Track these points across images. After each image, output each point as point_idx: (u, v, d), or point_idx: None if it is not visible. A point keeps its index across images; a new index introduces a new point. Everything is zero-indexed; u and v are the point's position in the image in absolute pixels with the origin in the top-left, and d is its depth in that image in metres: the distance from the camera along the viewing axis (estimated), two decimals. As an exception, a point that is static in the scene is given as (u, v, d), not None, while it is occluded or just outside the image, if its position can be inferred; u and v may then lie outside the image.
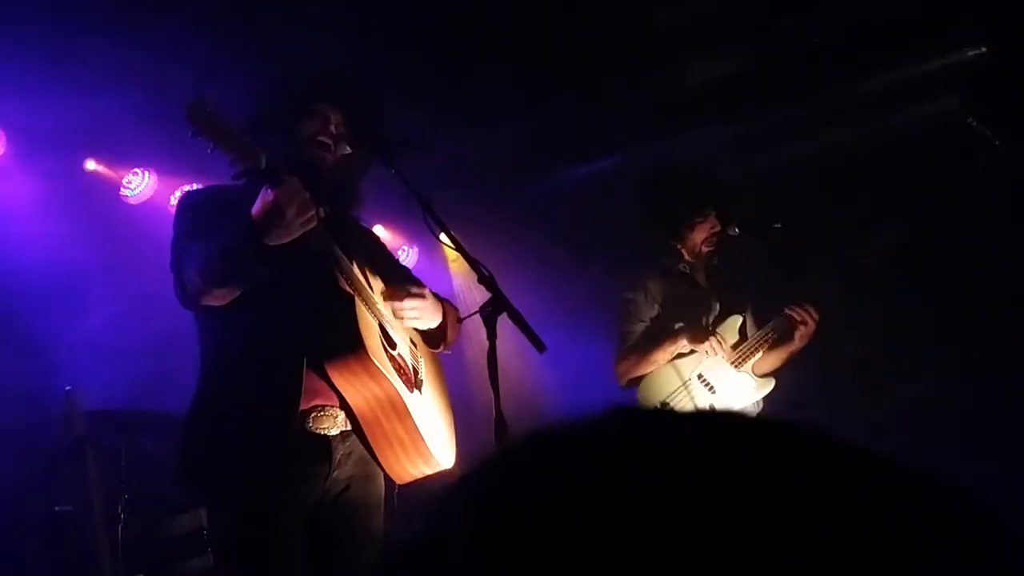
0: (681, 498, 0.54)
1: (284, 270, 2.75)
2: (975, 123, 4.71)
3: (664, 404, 4.27)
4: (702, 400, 4.31)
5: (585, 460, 0.58)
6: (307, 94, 3.09)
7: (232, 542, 2.85)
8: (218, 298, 2.77)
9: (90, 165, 5.74)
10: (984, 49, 5.60)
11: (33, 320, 5.05)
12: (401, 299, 3.07)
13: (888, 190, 5.85)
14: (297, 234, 2.70)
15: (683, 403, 4.28)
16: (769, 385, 4.38)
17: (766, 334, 4.39)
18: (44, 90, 4.91)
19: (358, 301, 2.87)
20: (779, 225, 4.52)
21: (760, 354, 4.39)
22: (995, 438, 5.16)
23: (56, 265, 5.19)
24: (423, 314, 3.12)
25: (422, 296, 3.11)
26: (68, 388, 4.47)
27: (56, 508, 4.55)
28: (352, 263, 2.98)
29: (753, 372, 4.40)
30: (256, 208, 2.66)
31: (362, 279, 3.00)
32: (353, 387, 2.86)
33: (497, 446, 2.62)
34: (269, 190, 2.64)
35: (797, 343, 4.35)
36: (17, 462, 4.63)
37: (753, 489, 0.54)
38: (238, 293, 2.76)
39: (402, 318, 3.10)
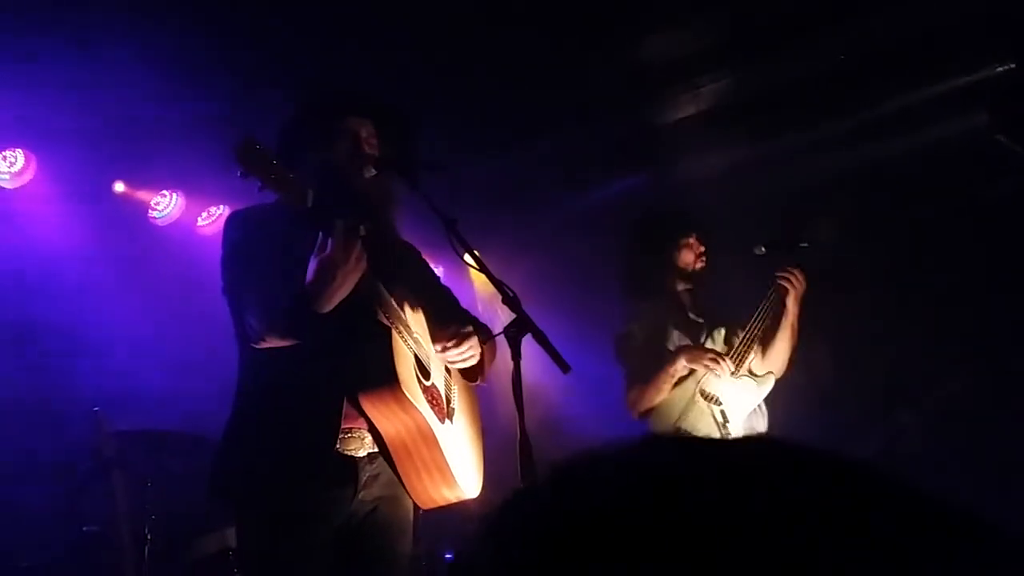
0: (727, 522, 0.55)
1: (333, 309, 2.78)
2: (1004, 139, 4.68)
3: (677, 428, 4.32)
4: (712, 413, 4.34)
5: (630, 489, 0.59)
6: (336, 109, 3.10)
7: (260, 562, 2.88)
8: (276, 344, 2.82)
9: (119, 187, 5.79)
10: (1013, 65, 5.57)
11: (62, 341, 5.09)
12: (455, 346, 3.07)
13: (918, 207, 5.81)
14: (358, 276, 2.74)
15: (695, 420, 4.33)
16: (769, 382, 4.44)
17: (757, 321, 4.45)
18: (73, 114, 4.97)
19: (394, 334, 2.89)
20: (806, 244, 4.53)
21: (752, 354, 4.44)
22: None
23: (85, 287, 5.23)
24: (473, 353, 3.12)
25: (470, 336, 3.10)
26: (96, 409, 4.49)
27: (84, 529, 4.57)
28: (391, 288, 2.99)
29: (751, 372, 4.45)
30: (312, 276, 2.69)
31: (398, 306, 3.00)
32: (384, 417, 2.88)
33: (522, 467, 2.62)
34: (317, 258, 2.67)
35: (792, 310, 4.44)
36: (44, 483, 4.66)
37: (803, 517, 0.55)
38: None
39: (454, 361, 3.12)
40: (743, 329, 4.50)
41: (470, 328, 3.14)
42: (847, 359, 5.80)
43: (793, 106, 5.95)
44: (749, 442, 0.66)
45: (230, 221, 3.06)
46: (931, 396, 5.67)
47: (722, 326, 4.59)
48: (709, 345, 4.49)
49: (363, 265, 2.75)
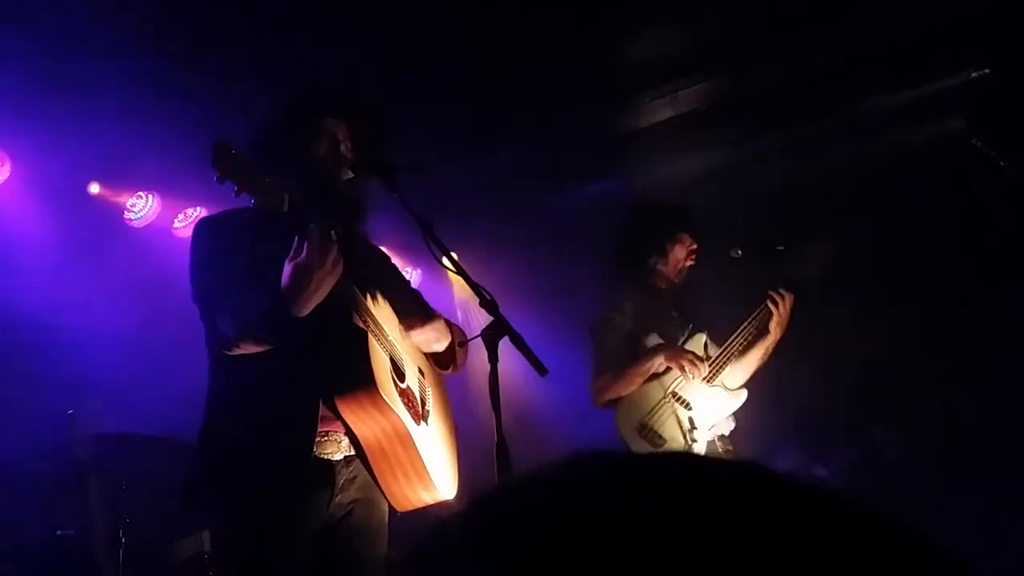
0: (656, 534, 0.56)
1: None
2: (979, 144, 4.72)
3: (644, 424, 4.35)
4: (680, 416, 4.35)
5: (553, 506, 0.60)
6: (313, 110, 3.10)
7: (235, 566, 2.86)
8: (249, 351, 2.80)
9: (94, 189, 5.76)
10: (988, 70, 5.61)
11: (35, 343, 5.05)
12: (419, 328, 3.14)
13: (892, 211, 5.84)
14: (335, 281, 2.72)
15: (662, 421, 4.34)
16: (741, 397, 4.45)
17: (740, 335, 4.46)
18: (48, 115, 4.93)
19: (370, 336, 2.89)
20: (782, 247, 4.55)
21: (729, 368, 4.45)
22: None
23: (59, 288, 5.19)
24: (439, 336, 3.21)
25: (435, 320, 3.18)
26: (70, 412, 4.46)
27: (58, 532, 4.53)
28: (364, 292, 2.99)
29: (724, 385, 4.46)
30: (287, 280, 2.66)
31: (373, 310, 3.00)
32: (361, 420, 2.87)
33: (499, 470, 2.62)
34: (293, 263, 2.65)
35: (773, 333, 4.45)
36: (19, 486, 4.62)
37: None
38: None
39: (419, 343, 3.17)
40: (724, 339, 4.51)
41: (435, 313, 3.20)
42: (821, 372, 5.83)
43: (768, 110, 5.98)
44: (675, 457, 0.67)
45: (199, 228, 3.03)
46: (908, 412, 5.69)
47: (703, 332, 4.60)
48: (690, 347, 4.50)
49: (339, 270, 2.73)
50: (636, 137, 6.33)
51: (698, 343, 4.56)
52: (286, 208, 2.66)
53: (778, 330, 4.45)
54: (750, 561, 0.54)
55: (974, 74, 5.68)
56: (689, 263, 4.59)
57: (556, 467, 0.63)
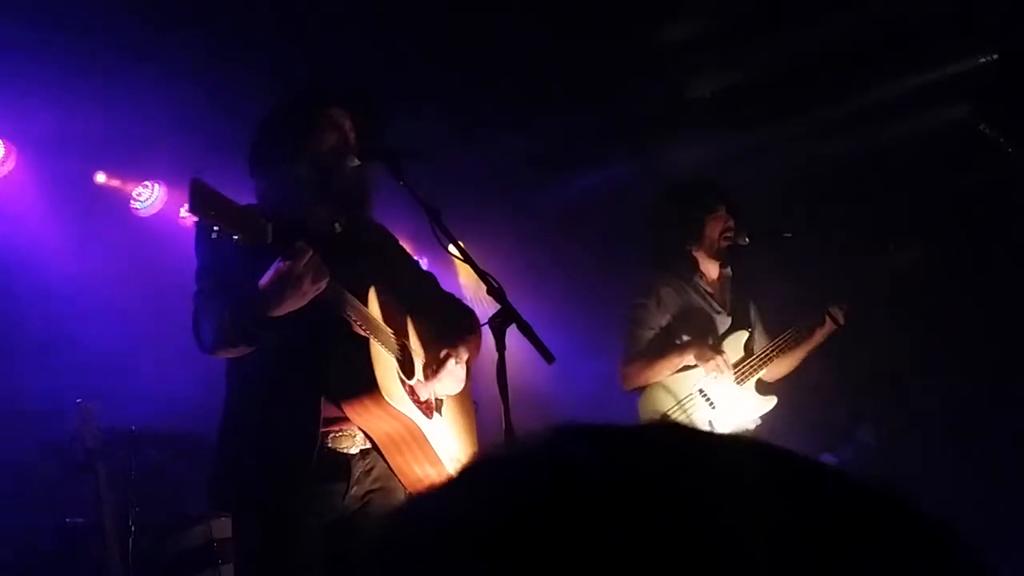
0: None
1: (299, 321, 2.76)
2: (987, 130, 4.70)
3: (664, 416, 4.28)
4: (702, 415, 4.31)
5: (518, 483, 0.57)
6: (318, 101, 3.09)
7: (253, 557, 2.91)
8: (231, 355, 2.84)
9: (100, 178, 5.75)
10: (995, 56, 5.58)
11: (44, 333, 5.05)
12: (433, 370, 3.10)
13: (899, 198, 5.82)
14: (310, 299, 2.71)
15: (682, 417, 4.28)
16: (770, 403, 4.40)
17: (779, 343, 4.42)
18: (53, 104, 4.93)
19: (373, 343, 2.90)
20: (789, 234, 4.54)
21: (764, 371, 4.41)
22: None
23: (66, 278, 5.19)
24: (452, 381, 3.19)
25: (451, 360, 3.12)
26: (79, 401, 4.47)
27: (67, 521, 4.55)
28: (367, 290, 2.99)
29: (756, 389, 4.42)
30: (269, 280, 2.66)
31: (376, 312, 3.00)
32: (370, 423, 2.92)
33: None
34: (281, 261, 2.63)
35: (815, 342, 4.44)
36: (28, 475, 4.63)
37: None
38: (250, 351, 2.79)
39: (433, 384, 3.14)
40: (768, 337, 4.50)
41: (446, 351, 3.14)
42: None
43: (777, 96, 5.95)
44: (663, 429, 0.65)
45: (200, 229, 2.98)
46: (897, 412, 5.67)
47: (746, 330, 4.52)
48: (729, 344, 4.43)
49: (322, 285, 2.71)
50: (643, 123, 6.31)
51: (738, 341, 4.47)
52: (270, 239, 2.61)
53: (820, 339, 4.45)
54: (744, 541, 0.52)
55: (981, 59, 5.65)
56: (724, 243, 4.47)
57: (534, 443, 0.60)
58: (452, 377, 3.16)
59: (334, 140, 3.03)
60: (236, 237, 2.52)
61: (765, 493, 0.55)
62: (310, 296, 2.69)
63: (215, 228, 2.48)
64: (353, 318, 2.88)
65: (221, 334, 2.74)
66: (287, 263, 2.62)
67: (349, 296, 2.88)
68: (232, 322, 2.70)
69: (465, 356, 3.18)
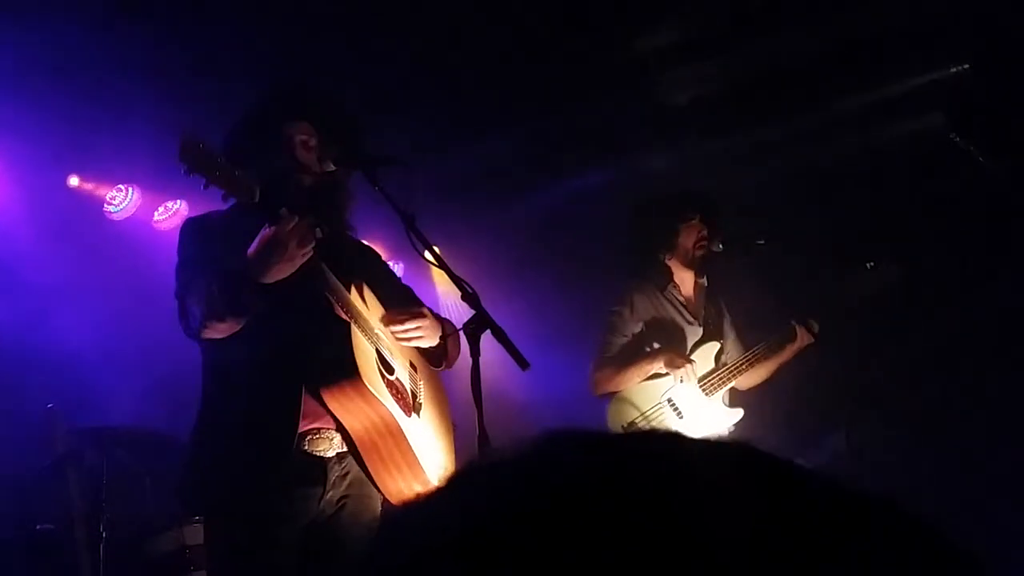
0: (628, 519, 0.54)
1: (281, 300, 2.77)
2: (958, 139, 4.74)
3: (631, 424, 4.33)
4: (669, 424, 4.31)
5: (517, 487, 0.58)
6: (268, 119, 3.09)
7: (227, 560, 2.89)
8: (219, 332, 2.81)
9: (73, 181, 5.71)
10: (967, 66, 5.63)
11: (14, 336, 5.00)
12: (401, 322, 3.09)
13: (874, 206, 5.87)
14: (298, 265, 2.73)
15: (650, 425, 4.29)
16: (737, 415, 4.42)
17: (750, 357, 4.44)
18: (27, 106, 4.89)
19: (354, 328, 2.90)
20: (762, 241, 4.56)
21: (733, 383, 4.43)
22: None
23: (38, 281, 5.15)
24: (423, 333, 3.14)
25: (421, 316, 3.13)
26: (50, 405, 4.43)
27: (37, 527, 4.50)
28: (350, 287, 3.00)
29: (725, 399, 4.44)
30: (255, 246, 2.68)
31: (359, 303, 3.01)
32: (348, 412, 2.89)
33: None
34: (267, 227, 2.66)
35: (786, 356, 4.45)
36: (-3, 481, 4.59)
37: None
38: (239, 327, 2.78)
39: (401, 338, 3.12)
40: (743, 348, 4.52)
41: (425, 308, 3.17)
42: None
43: (754, 105, 5.98)
44: (651, 438, 0.64)
45: (185, 228, 3.05)
46: (869, 420, 5.69)
47: (718, 341, 4.53)
48: (699, 355, 4.43)
49: (309, 250, 2.74)
50: (621, 130, 6.32)
51: (709, 352, 4.48)
52: (257, 199, 2.68)
53: (790, 355, 4.46)
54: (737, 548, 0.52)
55: (953, 69, 5.70)
56: (699, 252, 4.48)
57: (526, 449, 0.61)
58: (423, 330, 3.12)
59: (287, 158, 3.02)
60: (224, 192, 2.60)
61: (755, 498, 0.56)
62: (298, 262, 2.73)
63: (204, 180, 2.54)
64: (334, 300, 2.88)
65: (209, 307, 2.73)
66: (272, 228, 2.65)
67: (332, 278, 2.89)
68: (220, 292, 2.70)
69: (429, 321, 3.15)
